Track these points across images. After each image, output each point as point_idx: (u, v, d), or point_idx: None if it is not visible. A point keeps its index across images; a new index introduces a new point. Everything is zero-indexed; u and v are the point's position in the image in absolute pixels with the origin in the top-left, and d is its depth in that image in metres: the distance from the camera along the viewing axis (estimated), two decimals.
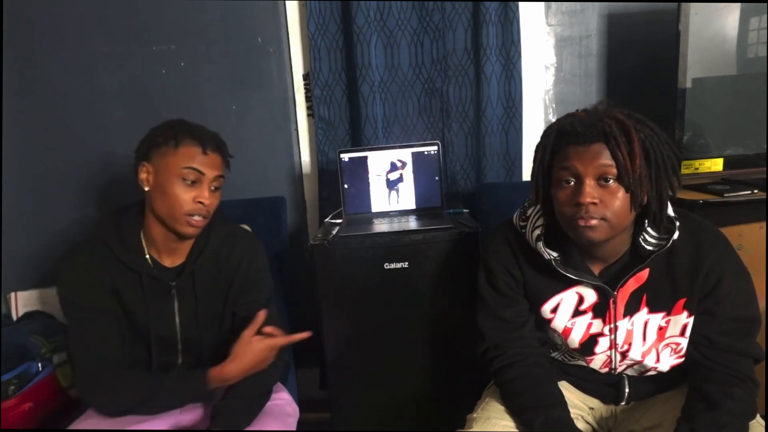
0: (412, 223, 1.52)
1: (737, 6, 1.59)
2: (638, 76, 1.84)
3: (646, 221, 0.99)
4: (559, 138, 0.98)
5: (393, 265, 1.44)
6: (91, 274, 1.12)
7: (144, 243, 1.16)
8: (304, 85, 1.88)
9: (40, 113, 1.84)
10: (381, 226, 1.52)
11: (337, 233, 1.48)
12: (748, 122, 1.67)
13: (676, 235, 0.97)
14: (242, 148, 1.88)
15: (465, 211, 1.70)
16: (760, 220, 1.51)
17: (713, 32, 1.60)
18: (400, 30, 1.78)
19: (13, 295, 1.84)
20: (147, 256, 1.16)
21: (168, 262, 1.19)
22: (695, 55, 1.58)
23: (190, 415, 1.22)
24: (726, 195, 1.54)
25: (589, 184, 0.93)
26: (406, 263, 1.44)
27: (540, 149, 1.02)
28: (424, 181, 1.64)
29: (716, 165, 1.66)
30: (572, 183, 0.95)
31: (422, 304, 1.46)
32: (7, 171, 1.84)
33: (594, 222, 0.93)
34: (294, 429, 1.25)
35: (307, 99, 1.88)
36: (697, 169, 1.66)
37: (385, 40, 1.78)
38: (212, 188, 1.13)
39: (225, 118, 1.87)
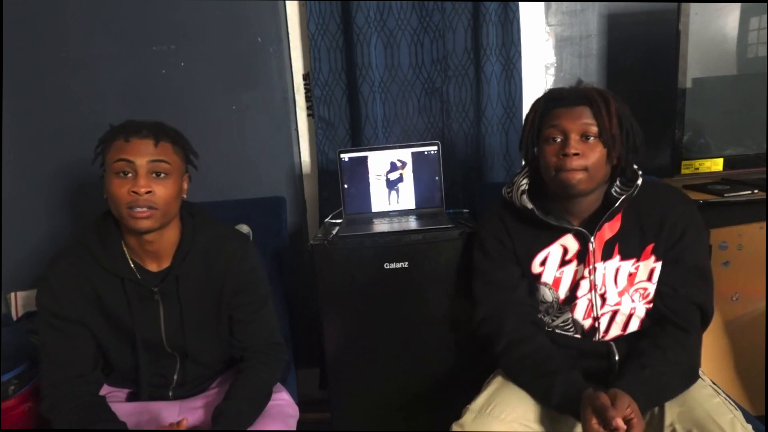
0: (412, 223, 1.52)
1: (737, 6, 1.59)
2: (638, 76, 1.84)
3: (618, 180, 1.18)
4: (549, 102, 1.16)
5: (393, 265, 1.44)
6: (71, 283, 1.11)
7: (125, 249, 1.15)
8: (304, 85, 1.88)
9: (40, 113, 1.84)
10: (381, 226, 1.52)
11: (337, 233, 1.48)
12: (748, 122, 1.67)
13: (639, 181, 1.14)
14: (242, 148, 1.89)
15: (465, 211, 1.71)
16: (760, 220, 1.51)
17: (713, 32, 1.60)
18: (400, 30, 1.78)
19: (13, 295, 1.84)
20: (130, 261, 1.14)
21: (153, 266, 1.16)
22: (695, 55, 1.58)
23: (190, 416, 1.22)
24: (726, 195, 1.54)
25: (574, 139, 1.10)
26: (406, 263, 1.44)
27: (531, 113, 1.19)
28: (424, 181, 1.64)
29: (716, 165, 1.66)
30: (559, 140, 1.12)
31: (422, 304, 1.46)
32: (7, 170, 1.84)
33: (577, 173, 1.09)
34: (294, 429, 1.25)
35: (307, 99, 1.88)
36: (697, 169, 1.66)
37: (385, 40, 1.78)
38: (153, 175, 1.06)
39: (225, 118, 1.87)
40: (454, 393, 1.48)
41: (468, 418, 1.10)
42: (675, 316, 1.13)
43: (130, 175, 1.05)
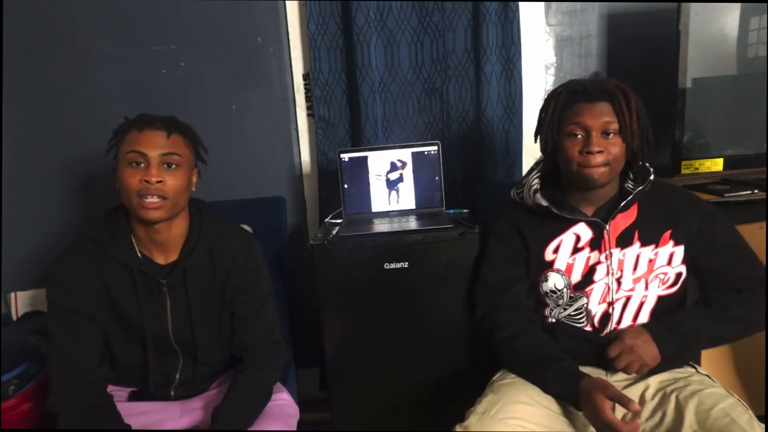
0: (412, 223, 1.52)
1: (737, 6, 1.58)
2: (638, 76, 1.82)
3: (630, 173, 1.24)
4: (569, 95, 1.18)
5: (393, 265, 1.44)
6: (81, 277, 1.12)
7: (134, 241, 1.17)
8: (304, 85, 1.88)
9: (40, 113, 1.84)
10: (381, 226, 1.52)
11: (337, 233, 1.48)
12: (748, 122, 1.67)
13: (651, 177, 1.20)
14: (242, 148, 1.89)
15: (465, 211, 1.71)
16: (760, 220, 1.51)
17: (713, 32, 1.60)
18: (400, 30, 1.78)
19: (13, 295, 1.84)
20: (138, 253, 1.16)
21: (161, 259, 1.18)
22: (695, 55, 1.58)
23: (191, 416, 1.22)
24: (726, 195, 1.54)
25: (596, 136, 1.14)
26: (406, 263, 1.44)
27: (551, 104, 1.21)
28: (424, 181, 1.64)
29: (716, 165, 1.66)
30: (580, 136, 1.16)
31: (422, 304, 1.46)
32: (8, 170, 1.84)
33: (599, 168, 1.14)
34: (294, 429, 1.25)
35: (307, 99, 1.88)
36: (697, 169, 1.66)
37: (385, 40, 1.78)
38: (164, 166, 1.10)
39: (225, 118, 1.87)
40: (455, 393, 1.48)
41: (472, 420, 1.10)
42: (734, 291, 1.17)
43: (142, 165, 1.09)
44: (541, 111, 1.25)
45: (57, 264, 1.14)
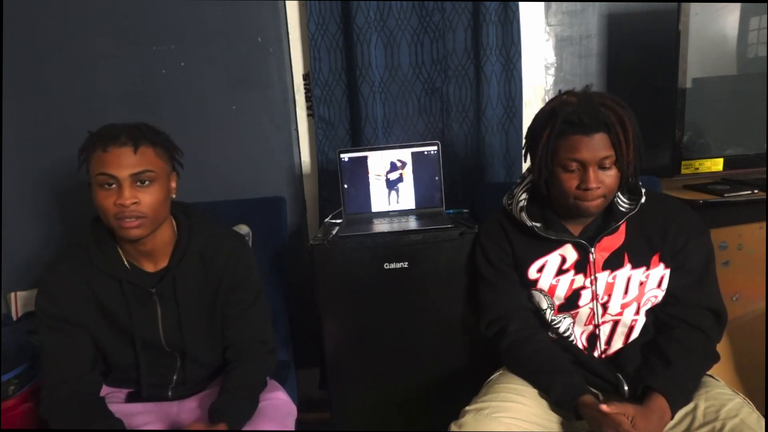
0: (412, 223, 1.52)
1: (737, 6, 1.59)
2: (638, 76, 1.84)
3: (621, 193, 1.21)
4: (565, 125, 1.11)
5: (393, 265, 1.44)
6: (70, 286, 1.11)
7: (120, 250, 1.15)
8: (304, 85, 1.88)
9: (41, 114, 1.84)
10: (381, 226, 1.52)
11: (337, 233, 1.48)
12: (748, 122, 1.67)
13: (643, 199, 1.17)
14: (242, 148, 1.89)
15: (465, 211, 1.71)
16: (760, 220, 1.52)
17: (713, 32, 1.60)
18: (400, 30, 1.78)
19: (13, 295, 1.83)
20: (126, 263, 1.14)
21: (150, 266, 1.16)
22: (695, 55, 1.58)
23: (189, 416, 1.21)
24: (726, 195, 1.54)
25: (593, 170, 1.10)
26: (406, 263, 1.44)
27: (544, 132, 1.13)
28: (424, 181, 1.64)
29: (716, 165, 1.66)
30: (576, 169, 1.11)
31: (422, 304, 1.46)
32: (8, 171, 1.84)
33: (595, 200, 1.12)
34: (293, 428, 1.25)
35: (307, 99, 1.88)
36: (697, 169, 1.66)
37: (385, 40, 1.78)
38: (137, 184, 1.04)
39: (225, 118, 1.87)
40: (454, 393, 1.48)
41: (467, 419, 1.11)
42: (690, 320, 1.15)
43: (114, 186, 1.03)
44: (532, 134, 1.18)
45: (45, 273, 1.12)
